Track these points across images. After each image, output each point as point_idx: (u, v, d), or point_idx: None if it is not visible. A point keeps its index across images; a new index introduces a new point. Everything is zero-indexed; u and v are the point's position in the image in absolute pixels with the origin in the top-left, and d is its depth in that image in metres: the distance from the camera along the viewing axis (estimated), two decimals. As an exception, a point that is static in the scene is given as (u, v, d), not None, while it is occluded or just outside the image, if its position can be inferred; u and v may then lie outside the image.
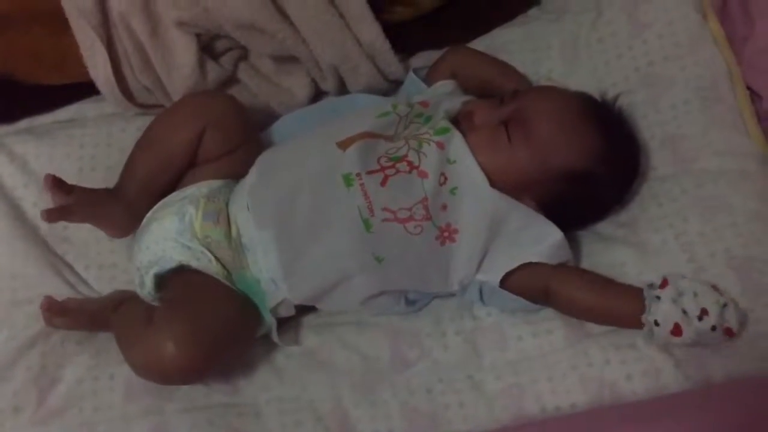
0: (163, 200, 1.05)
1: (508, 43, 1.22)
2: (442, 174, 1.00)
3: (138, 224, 1.06)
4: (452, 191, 1.00)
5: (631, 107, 1.13)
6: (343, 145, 1.01)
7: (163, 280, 1.02)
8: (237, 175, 1.07)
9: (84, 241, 1.12)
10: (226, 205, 1.04)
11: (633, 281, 1.02)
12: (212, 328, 0.95)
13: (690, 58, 1.13)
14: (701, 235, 1.03)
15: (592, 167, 1.02)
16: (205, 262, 1.00)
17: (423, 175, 1.00)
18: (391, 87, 1.19)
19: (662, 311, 0.95)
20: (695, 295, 0.95)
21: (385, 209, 0.99)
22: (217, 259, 1.01)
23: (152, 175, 1.05)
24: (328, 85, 1.15)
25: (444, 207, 1.00)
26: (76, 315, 1.04)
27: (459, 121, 1.05)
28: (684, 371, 0.96)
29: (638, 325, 0.97)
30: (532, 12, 1.25)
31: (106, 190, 1.05)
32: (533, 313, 1.03)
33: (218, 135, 1.04)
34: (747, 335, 0.96)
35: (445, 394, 1.00)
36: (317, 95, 1.19)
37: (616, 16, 1.18)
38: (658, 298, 0.95)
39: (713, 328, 0.94)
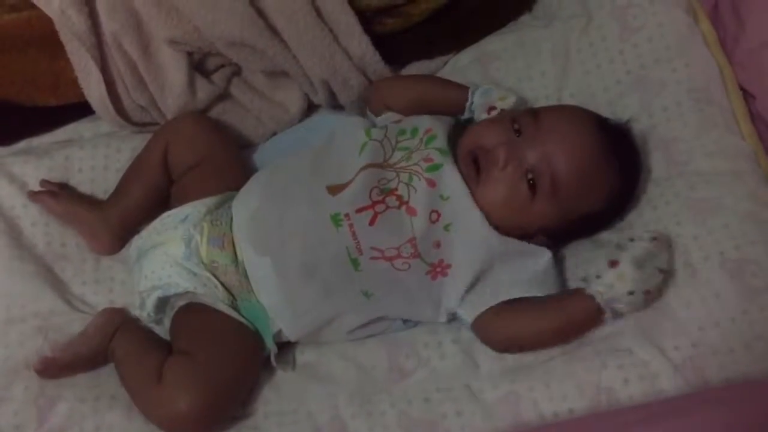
0: (161, 220, 1.06)
1: (500, 51, 1.22)
2: (434, 211, 1.00)
3: (121, 243, 1.10)
4: (446, 227, 1.00)
5: (623, 111, 1.13)
6: (333, 190, 1.02)
7: (163, 304, 1.04)
8: (224, 186, 1.08)
9: (82, 258, 1.13)
10: (230, 228, 1.05)
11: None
12: (223, 380, 0.98)
13: (681, 60, 1.13)
14: (695, 238, 1.03)
15: (609, 205, 1.04)
16: (211, 288, 1.01)
17: (411, 212, 1.00)
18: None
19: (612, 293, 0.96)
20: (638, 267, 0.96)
21: (373, 248, 0.99)
22: (222, 285, 1.02)
23: (133, 197, 1.11)
24: (319, 98, 1.16)
25: (437, 244, 1.00)
26: (72, 366, 1.04)
27: (464, 152, 1.02)
28: (681, 375, 0.96)
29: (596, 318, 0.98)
30: (523, 19, 1.25)
31: (95, 207, 1.11)
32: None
33: (179, 150, 1.10)
34: (744, 338, 0.96)
35: (442, 403, 1.00)
36: (309, 109, 1.20)
37: (605, 20, 1.18)
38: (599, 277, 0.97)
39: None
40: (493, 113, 1.08)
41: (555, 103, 1.17)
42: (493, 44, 1.23)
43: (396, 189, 1.01)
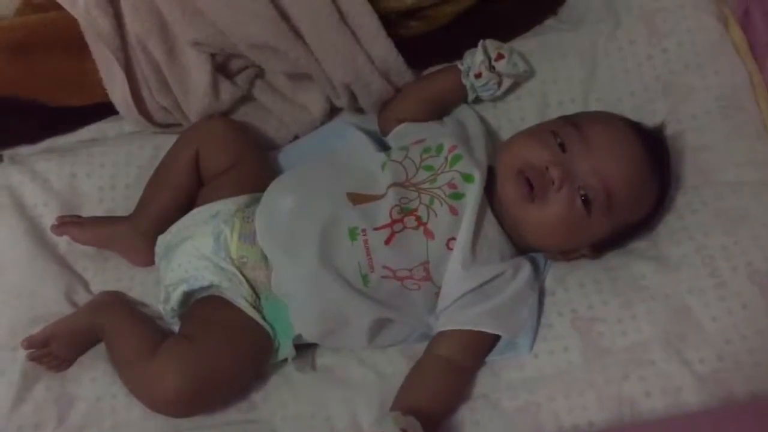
0: (191, 215, 1.07)
1: (525, 54, 1.20)
2: (452, 239, 0.99)
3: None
4: None
5: (651, 117, 1.11)
6: (355, 199, 1.01)
7: (188, 298, 1.04)
8: (253, 188, 1.08)
9: (103, 257, 1.14)
10: None
11: (653, 294, 1.00)
12: (216, 369, 0.98)
13: (710, 66, 1.11)
14: (723, 248, 1.01)
15: (652, 212, 1.04)
16: (236, 284, 1.01)
17: (429, 235, 0.99)
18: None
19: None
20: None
21: (385, 267, 0.99)
22: (248, 282, 1.02)
23: (161, 202, 1.10)
24: (341, 102, 1.15)
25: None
26: (63, 339, 1.04)
27: (511, 171, 0.99)
28: (706, 389, 0.94)
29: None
30: (548, 23, 1.23)
31: (124, 220, 1.11)
32: (548, 330, 1.02)
33: (211, 154, 1.10)
34: (770, 351, 0.94)
35: (460, 412, 0.99)
36: (332, 111, 1.19)
37: (634, 25, 1.16)
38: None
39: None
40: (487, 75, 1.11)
41: (582, 107, 1.15)
42: (518, 47, 1.21)
43: (416, 210, 1.00)
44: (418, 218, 0.99)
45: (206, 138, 1.11)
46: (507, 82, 1.14)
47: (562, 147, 0.99)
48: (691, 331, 0.97)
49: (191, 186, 1.11)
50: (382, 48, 1.10)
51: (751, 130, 1.07)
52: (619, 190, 0.98)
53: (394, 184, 1.02)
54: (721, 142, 1.07)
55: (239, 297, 1.02)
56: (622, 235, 1.04)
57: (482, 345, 1.01)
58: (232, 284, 1.01)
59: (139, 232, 1.09)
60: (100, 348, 1.06)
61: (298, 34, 1.08)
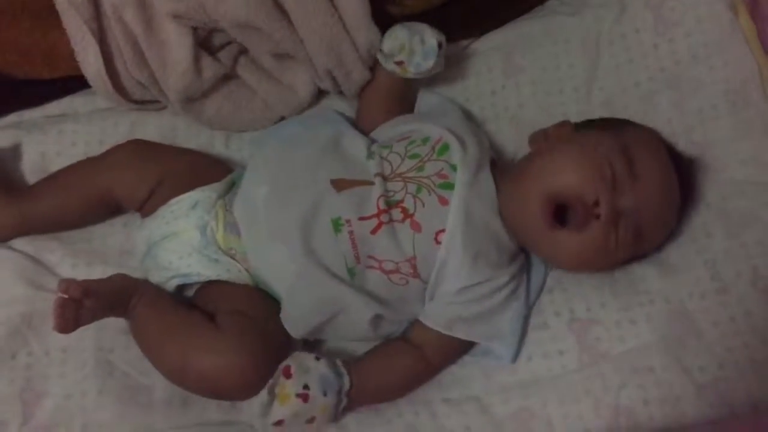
0: (168, 207, 1.00)
1: (524, 37, 1.15)
2: (441, 231, 0.94)
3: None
4: None
5: (655, 109, 1.07)
6: (339, 185, 0.96)
7: (183, 287, 1.00)
8: (208, 179, 1.02)
9: (71, 238, 1.06)
10: None
11: (652, 298, 0.97)
12: (275, 340, 0.94)
13: (719, 58, 1.06)
14: (726, 252, 0.97)
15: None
16: (235, 273, 0.97)
17: (416, 227, 0.94)
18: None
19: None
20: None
21: (370, 257, 0.94)
22: (246, 269, 0.98)
23: (44, 205, 1.03)
24: (324, 85, 1.09)
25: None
26: (102, 296, 0.92)
27: (547, 197, 0.92)
28: (705, 399, 0.91)
29: None
30: (550, 4, 1.17)
31: (13, 188, 1.04)
32: (544, 330, 0.98)
33: (127, 187, 1.02)
34: (773, 361, 0.91)
35: (450, 417, 0.95)
36: (320, 94, 1.13)
37: (640, 11, 1.10)
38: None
39: None
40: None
41: (584, 97, 1.10)
42: (518, 30, 1.16)
43: (402, 201, 0.95)
44: (404, 210, 0.94)
45: (114, 179, 1.02)
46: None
47: (615, 178, 0.92)
48: (691, 337, 0.94)
49: (85, 213, 1.04)
50: (368, 36, 1.03)
51: (758, 126, 1.02)
52: (651, 229, 0.95)
53: (379, 174, 0.96)
54: (727, 139, 1.03)
55: (244, 282, 0.98)
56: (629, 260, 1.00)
57: (455, 347, 0.98)
58: (231, 274, 0.97)
59: (12, 217, 1.02)
60: (71, 343, 0.99)
61: (283, 13, 1.01)
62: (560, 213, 0.93)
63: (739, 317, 0.94)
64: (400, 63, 1.04)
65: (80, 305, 0.89)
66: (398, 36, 1.03)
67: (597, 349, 0.96)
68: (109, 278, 0.97)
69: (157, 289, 0.99)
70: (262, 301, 0.97)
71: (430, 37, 1.03)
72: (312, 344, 1.01)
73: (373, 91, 1.08)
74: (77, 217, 1.05)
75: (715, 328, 0.94)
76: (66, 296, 0.88)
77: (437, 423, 0.95)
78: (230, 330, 0.92)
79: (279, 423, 0.91)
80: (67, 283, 0.89)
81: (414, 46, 1.03)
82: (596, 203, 0.91)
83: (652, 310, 0.96)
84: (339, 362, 0.94)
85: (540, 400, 0.94)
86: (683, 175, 0.99)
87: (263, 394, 0.91)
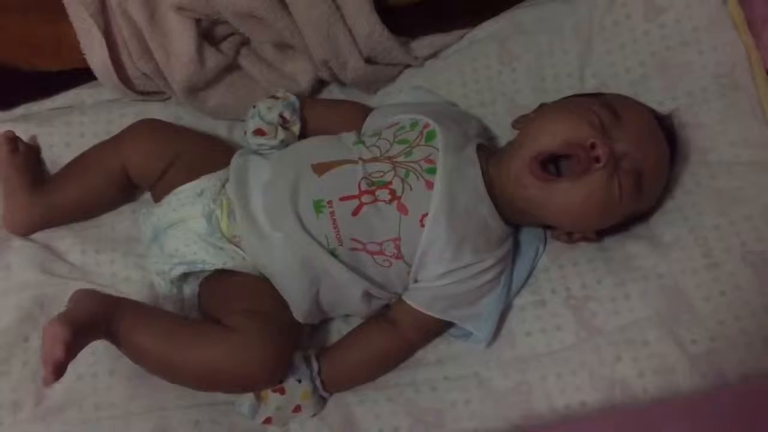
0: (174, 196, 1.01)
1: (519, 25, 1.17)
2: (426, 214, 0.95)
3: (33, 230, 1.07)
4: None
5: (646, 93, 1.09)
6: (319, 169, 0.98)
7: (187, 274, 1.01)
8: (213, 168, 1.04)
9: (81, 225, 1.09)
10: None
11: (646, 274, 1.00)
12: (290, 327, 0.96)
13: (708, 42, 1.09)
14: (716, 228, 1.00)
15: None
16: (239, 261, 0.98)
17: (402, 210, 0.96)
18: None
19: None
20: None
21: (353, 239, 0.96)
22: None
23: (66, 193, 1.07)
24: (323, 74, 1.12)
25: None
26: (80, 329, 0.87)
27: (553, 149, 0.94)
28: (698, 370, 0.93)
29: None
30: (544, -9, 1.20)
31: (36, 182, 1.07)
32: (541, 307, 1.01)
33: (141, 164, 1.05)
34: (764, 333, 0.94)
35: (450, 391, 0.98)
36: (321, 83, 1.16)
37: (631, -2, 1.13)
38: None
39: None
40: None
41: (578, 82, 1.13)
42: (512, 19, 1.18)
43: (390, 183, 0.96)
44: (392, 191, 0.96)
45: (131, 150, 1.05)
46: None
47: (603, 126, 0.95)
48: (684, 311, 0.97)
49: (108, 193, 1.08)
50: (367, 24, 1.06)
51: (747, 109, 1.05)
52: (648, 177, 0.96)
53: (362, 158, 0.99)
54: (716, 121, 1.06)
55: (248, 271, 0.99)
56: (630, 220, 1.02)
57: (431, 326, 1.00)
58: (236, 261, 0.98)
59: (30, 212, 1.06)
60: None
61: (284, 3, 1.04)
62: (551, 166, 0.95)
63: (729, 291, 0.96)
64: (261, 133, 1.05)
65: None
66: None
67: (593, 324, 0.98)
68: (78, 305, 0.91)
69: (135, 304, 0.96)
70: (269, 293, 0.98)
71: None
72: (318, 328, 1.04)
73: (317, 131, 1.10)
74: (100, 197, 1.08)
75: (707, 302, 0.97)
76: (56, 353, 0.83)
77: (438, 396, 0.97)
78: (249, 328, 0.93)
79: (267, 421, 0.96)
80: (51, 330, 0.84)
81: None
82: (593, 146, 0.93)
83: (646, 285, 0.99)
84: (309, 351, 0.97)
85: (538, 374, 0.97)
86: (668, 130, 1.01)
87: (250, 396, 0.95)
